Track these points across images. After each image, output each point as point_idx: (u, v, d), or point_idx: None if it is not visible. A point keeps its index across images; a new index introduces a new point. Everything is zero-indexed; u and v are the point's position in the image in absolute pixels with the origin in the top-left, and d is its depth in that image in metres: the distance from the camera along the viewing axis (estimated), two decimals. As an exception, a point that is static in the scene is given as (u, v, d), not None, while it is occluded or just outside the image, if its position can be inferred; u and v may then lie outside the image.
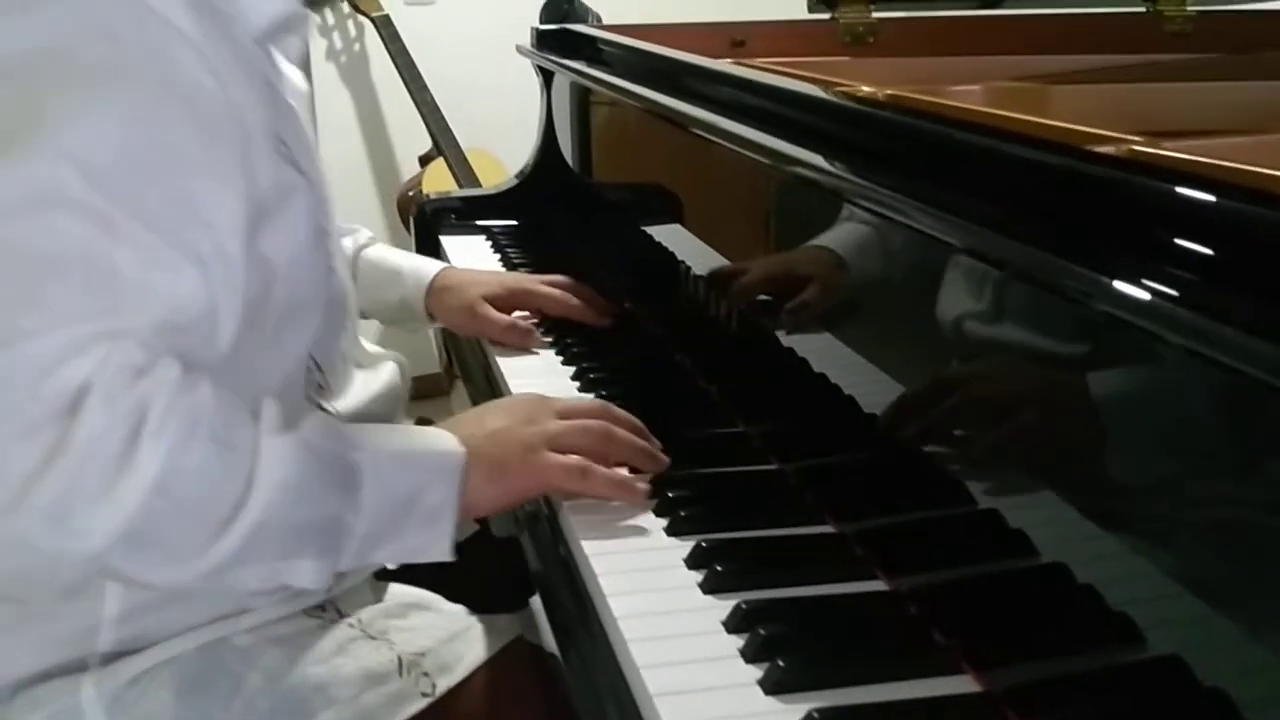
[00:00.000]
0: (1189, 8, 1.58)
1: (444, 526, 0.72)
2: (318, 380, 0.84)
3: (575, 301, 1.13)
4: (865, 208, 0.78)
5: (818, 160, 0.82)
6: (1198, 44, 1.52)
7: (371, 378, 0.95)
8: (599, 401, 0.86)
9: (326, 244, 0.82)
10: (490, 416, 0.80)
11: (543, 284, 1.15)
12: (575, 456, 0.77)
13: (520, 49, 1.51)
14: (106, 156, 0.64)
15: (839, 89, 1.10)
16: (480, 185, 2.44)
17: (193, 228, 0.67)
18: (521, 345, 1.11)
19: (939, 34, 1.58)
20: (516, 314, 1.14)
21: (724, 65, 1.09)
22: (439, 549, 0.72)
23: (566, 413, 0.80)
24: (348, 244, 1.13)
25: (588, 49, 1.41)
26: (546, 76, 1.53)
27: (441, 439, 0.75)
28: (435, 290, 1.13)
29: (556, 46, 1.48)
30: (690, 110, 1.03)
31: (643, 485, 0.78)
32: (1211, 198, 0.51)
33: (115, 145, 0.65)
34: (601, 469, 0.77)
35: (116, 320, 0.63)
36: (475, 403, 1.18)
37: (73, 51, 0.66)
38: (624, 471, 0.79)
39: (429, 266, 1.15)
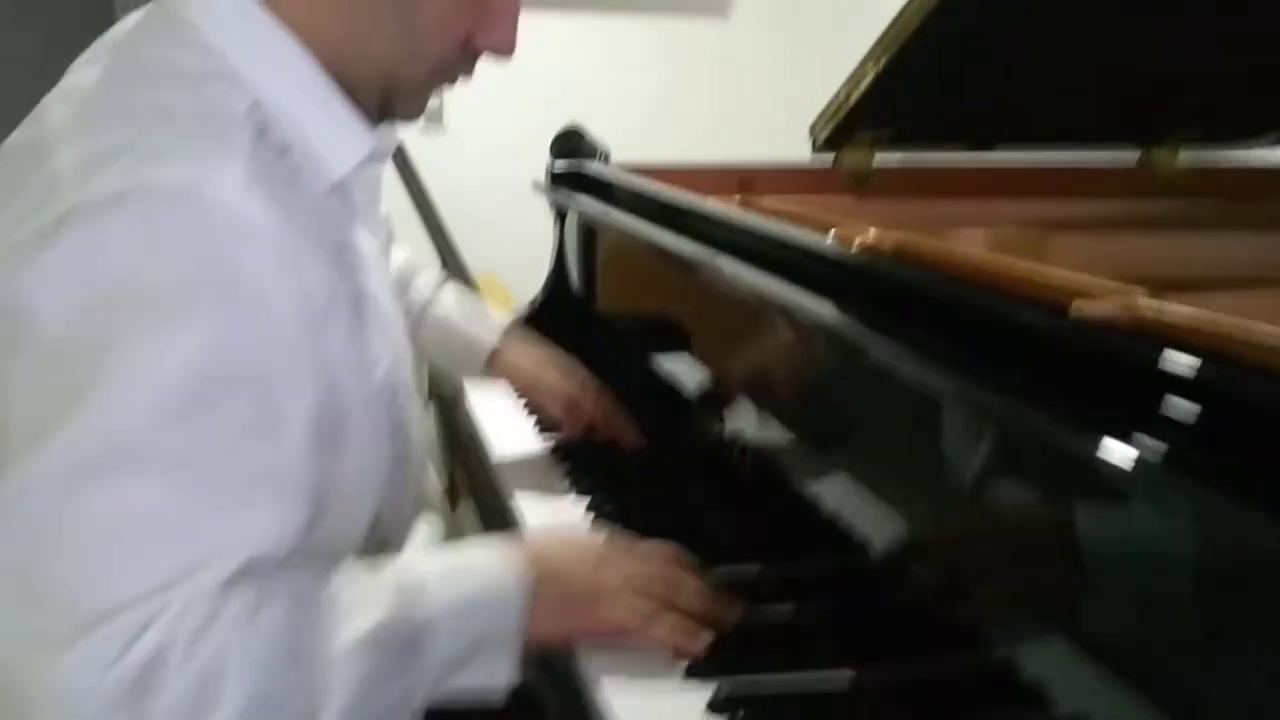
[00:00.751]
0: (1181, 160, 1.64)
1: (507, 661, 0.72)
2: (381, 534, 0.83)
3: (618, 422, 1.18)
4: (867, 356, 0.81)
5: (821, 310, 0.86)
6: (1190, 194, 1.58)
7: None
8: (672, 548, 0.85)
9: (398, 401, 0.81)
10: (561, 548, 0.81)
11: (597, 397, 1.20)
12: (645, 601, 0.77)
13: (536, 186, 1.55)
14: (172, 399, 0.61)
15: (844, 232, 1.15)
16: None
17: (265, 452, 0.65)
18: (569, 423, 1.17)
19: (940, 178, 1.63)
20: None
21: (737, 212, 1.13)
22: (501, 679, 0.73)
23: (641, 556, 0.81)
24: (422, 288, 1.20)
25: (601, 188, 1.46)
26: (560, 211, 1.57)
27: (506, 570, 0.74)
28: (510, 337, 1.21)
29: (571, 184, 1.53)
30: (700, 255, 1.07)
31: (706, 636, 0.77)
32: (1195, 361, 0.54)
33: (179, 384, 0.61)
34: (670, 615, 0.77)
35: (191, 579, 0.61)
36: (485, 521, 1.19)
37: (129, 282, 0.62)
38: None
39: (479, 346, 1.21)
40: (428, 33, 0.76)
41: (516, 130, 2.66)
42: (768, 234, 1.02)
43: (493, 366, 1.20)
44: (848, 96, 1.49)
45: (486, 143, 2.71)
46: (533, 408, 1.27)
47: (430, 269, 1.24)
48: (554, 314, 1.56)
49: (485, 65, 2.40)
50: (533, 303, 1.59)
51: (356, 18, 0.75)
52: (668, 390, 1.21)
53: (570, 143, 2.13)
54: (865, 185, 1.60)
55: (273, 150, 0.71)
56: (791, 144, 1.98)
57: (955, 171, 1.66)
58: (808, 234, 1.01)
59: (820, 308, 0.86)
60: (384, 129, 0.83)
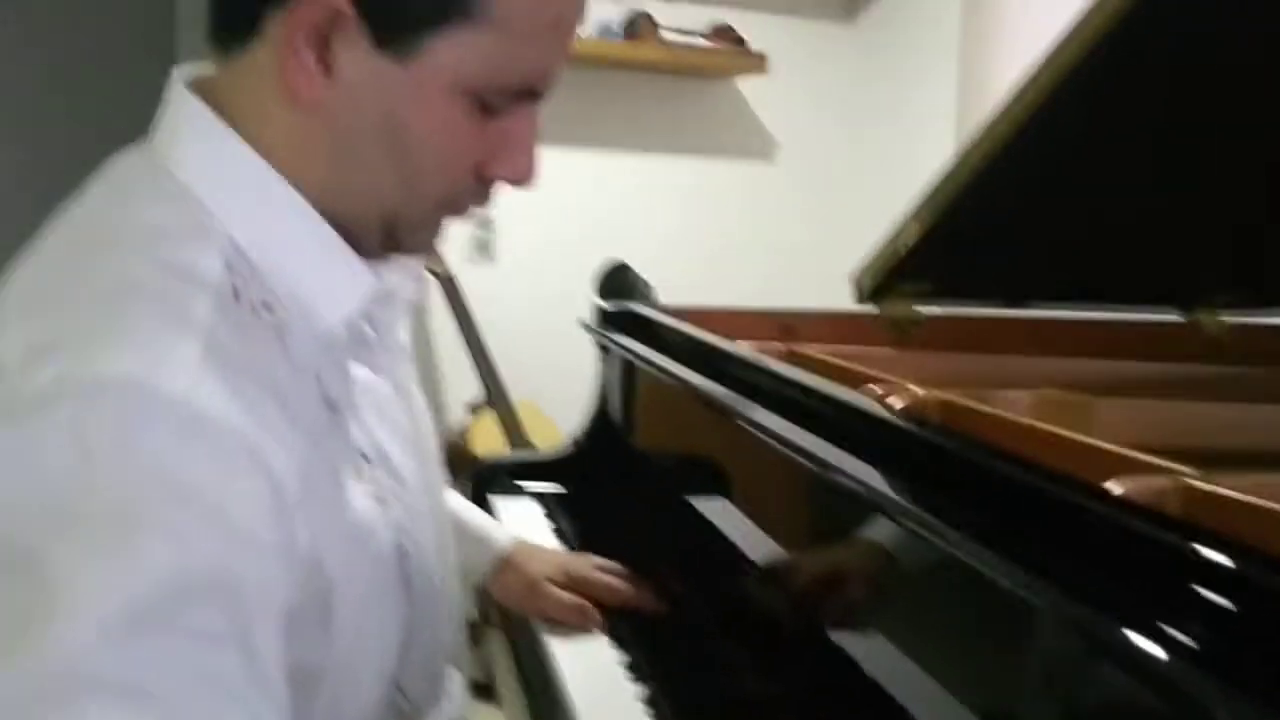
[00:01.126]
0: (1224, 319, 1.65)
1: None
2: (401, 706, 0.79)
3: (632, 593, 1.15)
4: (903, 523, 0.81)
5: (859, 472, 0.86)
6: (1233, 354, 1.58)
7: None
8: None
9: (412, 564, 0.76)
10: None
11: (601, 571, 1.17)
12: None
13: (583, 324, 1.58)
14: (126, 620, 0.53)
15: (887, 388, 1.15)
16: (527, 437, 2.50)
17: (233, 664, 0.57)
18: (580, 625, 1.12)
19: (984, 330, 1.64)
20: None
21: (782, 367, 1.13)
22: None
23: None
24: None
25: (643, 328, 1.49)
26: (604, 348, 1.60)
27: None
28: (497, 571, 1.16)
29: (614, 324, 1.56)
30: (737, 404, 1.08)
31: None
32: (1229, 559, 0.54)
33: (133, 603, 0.53)
34: None
35: None
36: (521, 666, 1.18)
37: (71, 492, 0.55)
38: None
39: (495, 542, 1.17)
40: (424, 175, 0.70)
41: (564, 264, 2.73)
42: (809, 387, 1.03)
43: (500, 570, 1.17)
44: (892, 250, 1.52)
45: (534, 275, 2.76)
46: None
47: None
48: (596, 451, 1.57)
49: (537, 202, 2.46)
50: (576, 441, 1.60)
51: (339, 159, 0.69)
52: (706, 534, 1.21)
53: (615, 278, 2.17)
54: (907, 336, 1.62)
55: (249, 310, 0.66)
56: (833, 285, 2.01)
57: (998, 323, 1.67)
58: (848, 392, 1.02)
59: (858, 469, 0.86)
60: (398, 268, 0.78)
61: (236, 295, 0.65)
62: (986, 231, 1.48)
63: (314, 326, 0.70)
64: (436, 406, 2.72)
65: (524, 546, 1.19)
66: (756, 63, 2.78)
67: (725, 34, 2.78)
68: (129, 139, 0.74)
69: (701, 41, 2.74)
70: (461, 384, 2.63)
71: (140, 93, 0.79)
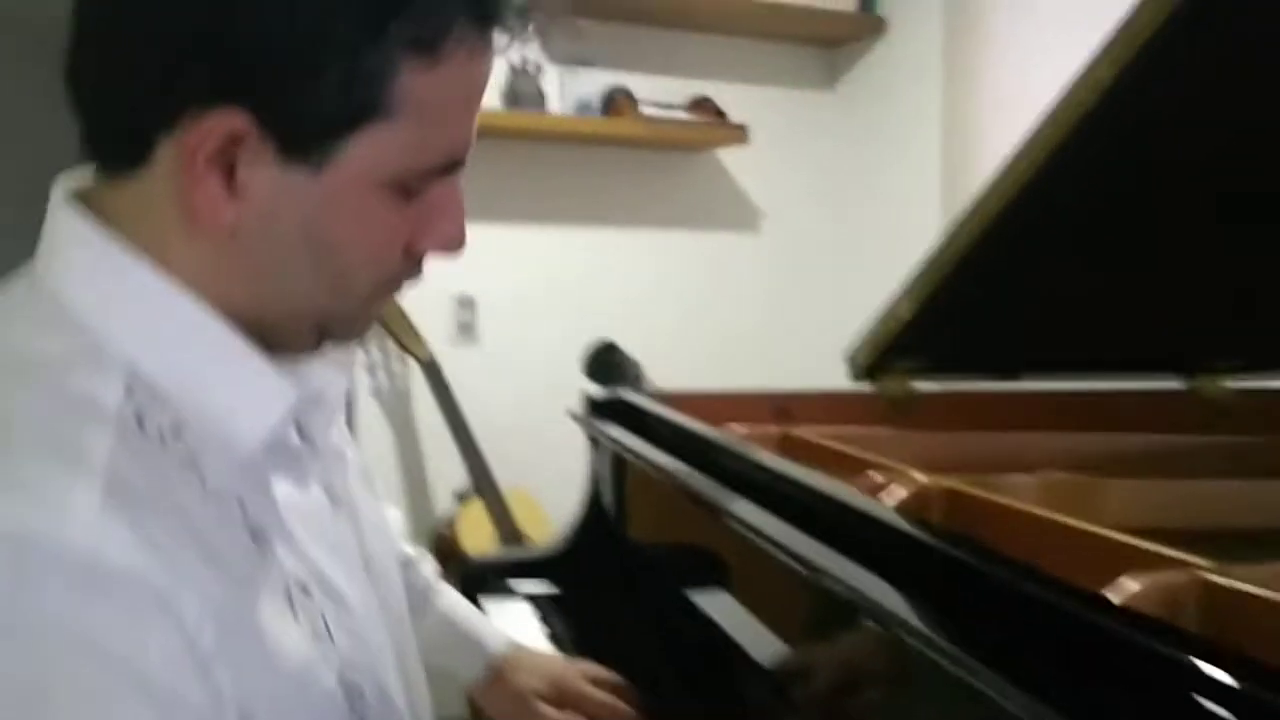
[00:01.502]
0: (1227, 384, 1.62)
1: None
2: None
3: (625, 711, 1.09)
4: (903, 637, 0.76)
5: (857, 580, 0.82)
6: (1239, 421, 1.54)
7: None
8: None
9: (365, 703, 0.69)
10: None
11: (592, 684, 1.11)
12: None
13: (571, 415, 1.53)
14: None
15: (889, 475, 1.11)
16: (517, 526, 2.44)
17: None
18: None
19: (980, 406, 1.61)
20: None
21: (777, 461, 1.09)
22: None
23: None
24: (412, 578, 1.10)
25: (636, 418, 1.44)
26: (594, 440, 1.55)
27: None
28: (487, 681, 1.10)
29: (603, 412, 1.51)
30: (735, 506, 1.04)
31: None
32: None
33: None
34: None
35: None
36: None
37: None
38: None
39: (486, 647, 1.12)
40: (352, 273, 0.66)
41: (549, 343, 2.69)
42: (804, 484, 0.99)
43: (490, 681, 1.11)
44: (886, 327, 1.49)
45: (519, 356, 2.72)
46: None
47: (428, 560, 1.17)
48: (589, 545, 1.52)
49: (520, 281, 2.43)
50: (568, 535, 1.55)
51: (258, 279, 0.65)
52: (707, 630, 1.15)
53: (603, 358, 2.14)
54: (905, 413, 1.58)
55: (156, 439, 0.61)
56: (822, 356, 1.98)
57: (995, 397, 1.63)
58: (845, 489, 0.98)
59: (855, 576, 0.82)
60: (326, 363, 0.74)
61: (140, 423, 0.60)
62: (981, 305, 1.46)
63: (231, 448, 0.64)
64: (423, 496, 2.66)
65: (515, 655, 1.13)
66: (737, 134, 2.77)
67: (705, 106, 2.78)
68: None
69: (681, 115, 2.72)
70: (448, 472, 2.57)
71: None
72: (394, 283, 0.70)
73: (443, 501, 2.63)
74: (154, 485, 0.59)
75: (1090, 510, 1.11)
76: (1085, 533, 0.89)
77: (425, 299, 2.57)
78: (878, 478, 1.12)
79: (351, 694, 0.68)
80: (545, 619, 1.40)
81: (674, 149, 2.85)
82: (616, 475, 1.48)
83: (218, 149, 0.60)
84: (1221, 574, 0.73)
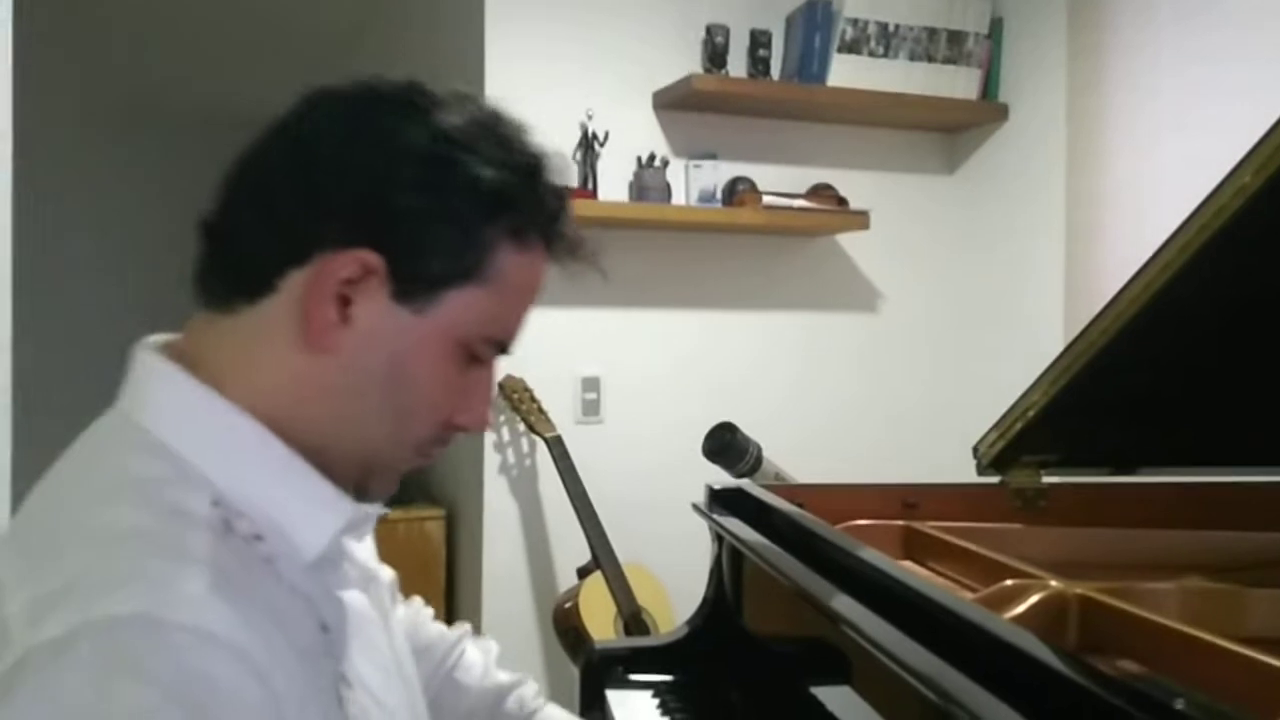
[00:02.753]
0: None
1: None
2: None
3: None
4: None
5: (987, 710, 0.79)
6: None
7: None
8: None
9: None
10: None
11: None
12: None
13: (694, 507, 1.56)
14: None
15: (1025, 585, 1.10)
16: (635, 600, 2.46)
17: None
18: None
19: (1112, 500, 1.58)
20: None
21: (907, 576, 1.07)
22: None
23: None
24: (513, 706, 1.13)
25: (758, 512, 1.46)
26: (716, 535, 1.57)
27: None
28: None
29: (727, 505, 1.53)
30: (860, 619, 1.03)
31: None
32: None
33: None
34: None
35: None
36: None
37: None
38: None
39: None
40: (414, 416, 0.77)
41: (671, 424, 2.73)
42: (935, 601, 0.97)
43: None
44: (1014, 421, 1.48)
45: (642, 434, 2.76)
46: None
47: (530, 682, 1.18)
48: (711, 634, 1.53)
49: (643, 362, 2.46)
50: (690, 621, 1.56)
51: (346, 402, 0.76)
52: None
53: (722, 438, 2.16)
54: (1033, 507, 1.57)
55: (242, 539, 0.71)
56: (943, 438, 1.96)
57: (1129, 491, 1.60)
58: (974, 609, 0.95)
59: (986, 705, 0.79)
60: (368, 519, 0.82)
61: (228, 528, 0.70)
62: (1113, 401, 1.44)
63: (299, 555, 0.74)
64: (546, 571, 2.71)
65: None
66: (858, 220, 2.79)
67: (825, 192, 2.81)
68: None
69: (802, 202, 2.76)
70: (571, 548, 2.62)
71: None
72: (428, 451, 0.81)
73: (565, 577, 2.67)
74: (246, 577, 0.68)
75: (1232, 621, 1.08)
76: (1233, 654, 0.85)
77: (553, 379, 2.65)
78: (1011, 585, 1.11)
79: None
80: (666, 709, 1.41)
81: (795, 234, 2.88)
82: (736, 566, 1.49)
83: (346, 280, 0.73)
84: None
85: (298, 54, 3.49)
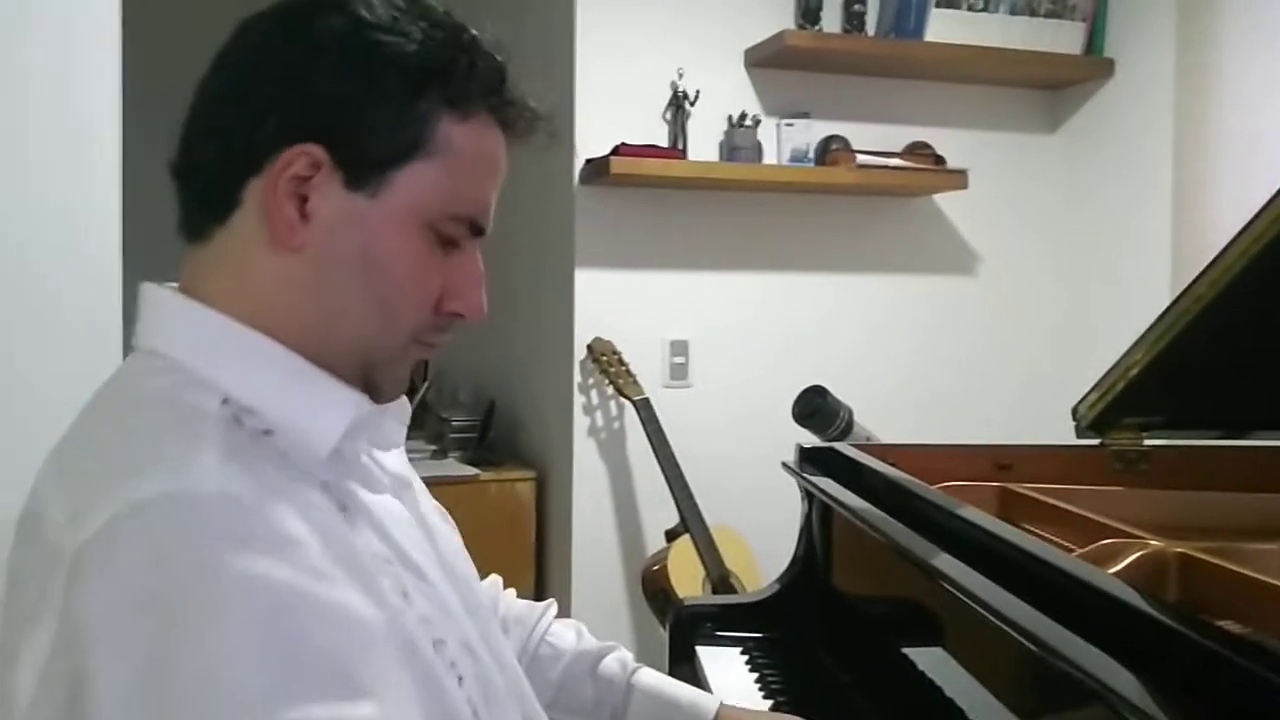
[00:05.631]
0: None
1: None
2: None
3: None
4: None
5: (1086, 660, 0.77)
6: None
7: None
8: None
9: (442, 651, 0.79)
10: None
11: None
12: None
13: (784, 466, 1.55)
14: (277, 650, 0.63)
15: (1123, 544, 1.07)
16: (723, 563, 2.46)
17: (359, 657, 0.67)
18: None
19: (1213, 463, 1.53)
20: None
21: (1004, 528, 1.06)
22: None
23: None
24: (613, 666, 1.13)
25: (849, 471, 1.44)
26: (806, 492, 1.56)
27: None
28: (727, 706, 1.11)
29: (817, 463, 1.52)
30: (957, 574, 1.02)
31: None
32: None
33: (273, 631, 0.63)
34: None
35: None
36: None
37: (157, 596, 0.63)
38: None
39: (701, 713, 1.12)
40: (398, 303, 0.79)
41: (760, 386, 2.71)
42: (1031, 553, 0.96)
43: None
44: (1115, 381, 1.44)
45: (731, 398, 2.75)
46: None
47: (620, 649, 1.16)
48: (799, 593, 1.52)
49: (732, 325, 2.43)
50: (780, 579, 1.56)
51: (328, 297, 0.78)
52: (923, 689, 1.14)
53: (812, 402, 2.13)
54: (1133, 470, 1.52)
55: (251, 435, 0.73)
56: (1046, 405, 1.91)
57: (1231, 454, 1.54)
58: (1072, 561, 0.94)
59: (1085, 655, 0.78)
60: (382, 416, 0.84)
61: (238, 422, 0.73)
62: (1218, 361, 1.39)
63: (312, 449, 0.76)
64: (635, 535, 2.72)
65: (730, 713, 1.13)
66: (956, 179, 2.73)
67: (922, 151, 2.75)
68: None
69: (897, 161, 2.71)
70: (659, 511, 2.62)
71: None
72: (426, 338, 0.82)
73: (654, 539, 2.68)
74: (256, 461, 0.71)
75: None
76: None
77: (642, 342, 2.65)
78: (1109, 544, 1.08)
79: (435, 642, 0.78)
80: (754, 665, 1.41)
81: (890, 195, 2.83)
82: (826, 526, 1.48)
83: (296, 177, 0.76)
84: None
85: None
